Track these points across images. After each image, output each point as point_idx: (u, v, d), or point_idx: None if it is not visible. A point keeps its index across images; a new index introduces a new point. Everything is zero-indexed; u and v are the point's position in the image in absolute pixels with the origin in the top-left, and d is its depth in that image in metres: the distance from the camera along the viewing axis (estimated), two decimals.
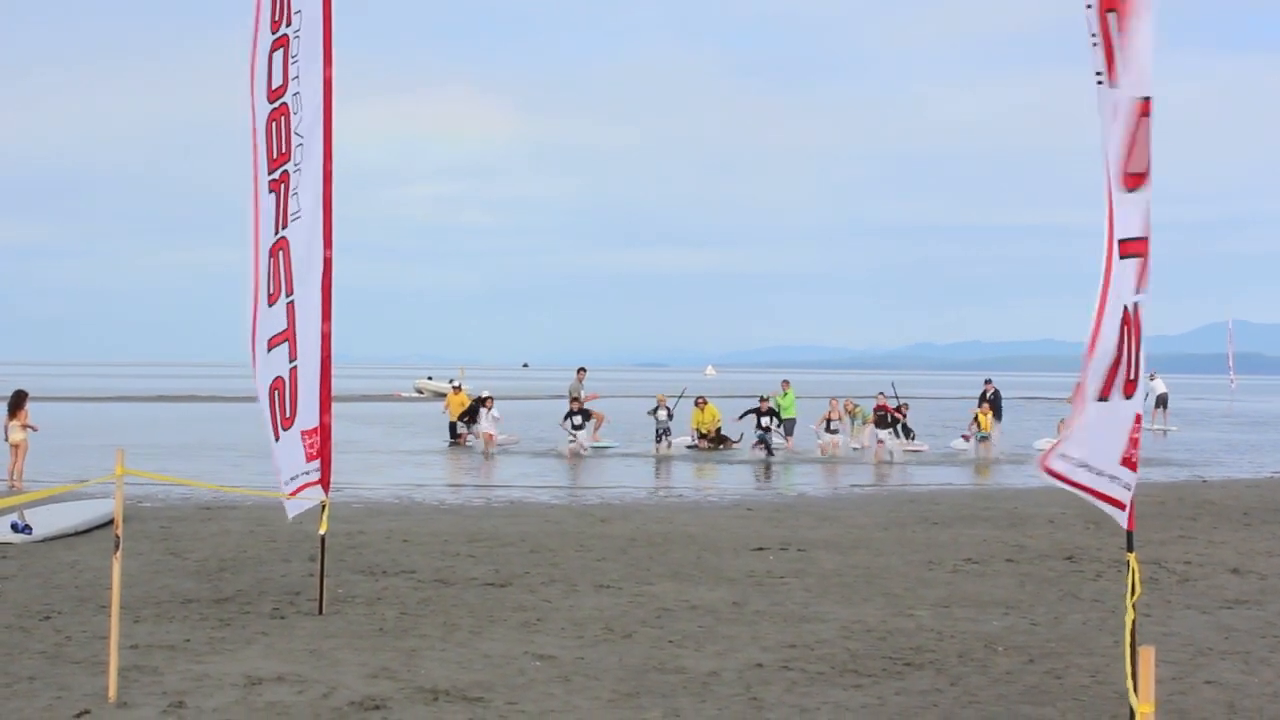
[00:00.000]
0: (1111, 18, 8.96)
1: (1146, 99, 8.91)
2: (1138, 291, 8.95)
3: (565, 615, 14.88)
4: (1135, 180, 8.94)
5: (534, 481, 34.04)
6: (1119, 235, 8.97)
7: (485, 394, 48.09)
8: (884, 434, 43.85)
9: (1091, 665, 12.47)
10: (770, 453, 43.27)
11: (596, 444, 45.70)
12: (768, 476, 35.69)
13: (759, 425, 44.38)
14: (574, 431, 44.35)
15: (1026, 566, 18.86)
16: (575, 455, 43.17)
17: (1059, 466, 9.23)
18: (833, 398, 45.93)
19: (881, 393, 45.90)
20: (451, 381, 70.95)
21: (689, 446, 45.66)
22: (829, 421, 44.63)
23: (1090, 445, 9.10)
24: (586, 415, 45.99)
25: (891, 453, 42.98)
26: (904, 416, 49.83)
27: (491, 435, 44.82)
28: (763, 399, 45.31)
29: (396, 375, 79.27)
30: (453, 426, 49.81)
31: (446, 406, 52.69)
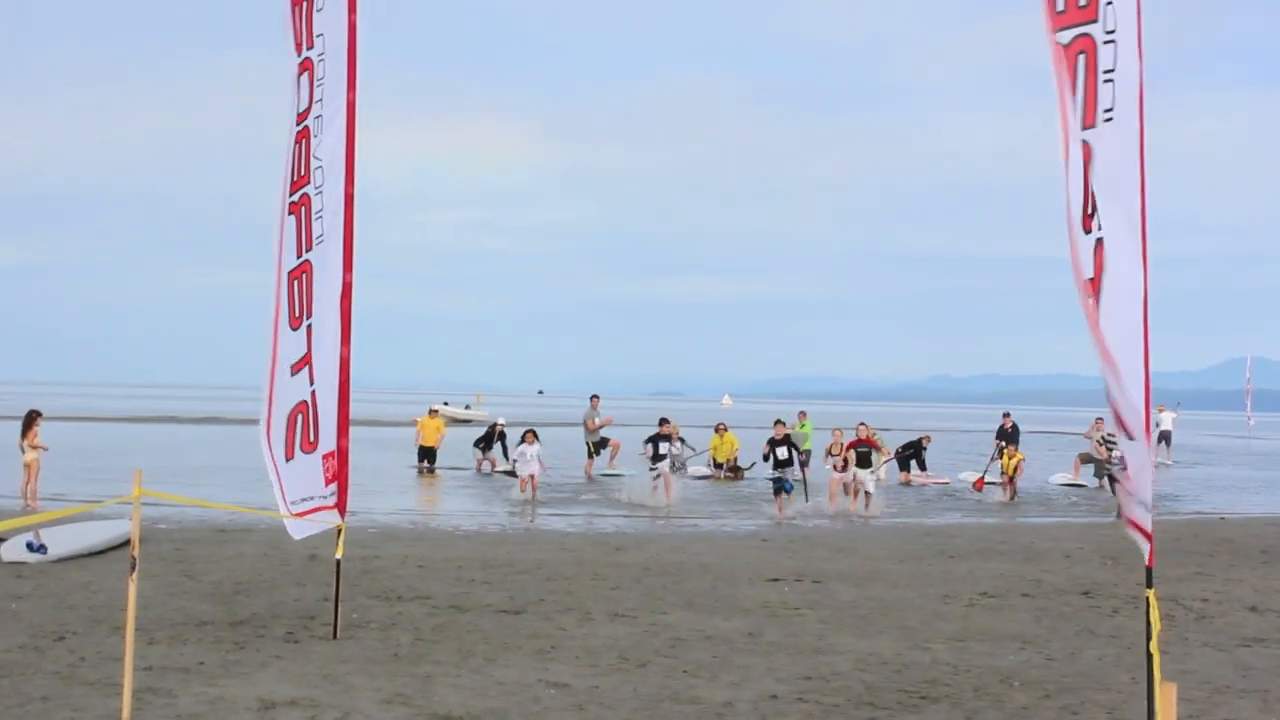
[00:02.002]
0: (1081, 59, 9.04)
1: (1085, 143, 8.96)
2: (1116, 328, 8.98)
3: (580, 643, 14.88)
4: (1090, 223, 8.98)
5: (549, 509, 34.01)
6: (1088, 275, 9.00)
7: (503, 421, 47.32)
8: (864, 474, 36.42)
9: (1108, 701, 12.45)
10: (785, 493, 34.43)
11: (613, 471, 45.59)
12: (782, 509, 34.87)
13: (775, 459, 35.12)
14: (655, 462, 36.97)
15: (1043, 601, 18.83)
16: (661, 486, 36.48)
17: (1135, 515, 9.25)
18: (835, 429, 40.15)
19: (863, 423, 39.36)
20: (464, 405, 70.97)
21: (703, 476, 44.23)
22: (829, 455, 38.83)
23: (1139, 482, 9.12)
24: (605, 442, 46.02)
25: (868, 493, 36.09)
26: (925, 447, 49.82)
27: (535, 476, 37.17)
28: (778, 422, 37.32)
29: (414, 401, 79.31)
30: (422, 452, 47.40)
31: (420, 430, 48.54)
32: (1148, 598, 8.79)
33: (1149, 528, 9.03)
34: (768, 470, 36.44)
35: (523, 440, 38.14)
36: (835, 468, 37.52)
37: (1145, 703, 8.90)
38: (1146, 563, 9.04)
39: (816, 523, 31.34)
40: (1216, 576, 21.89)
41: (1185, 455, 74.56)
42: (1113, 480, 34.61)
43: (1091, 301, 8.95)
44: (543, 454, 37.69)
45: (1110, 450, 35.80)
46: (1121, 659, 14.37)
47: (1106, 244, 8.89)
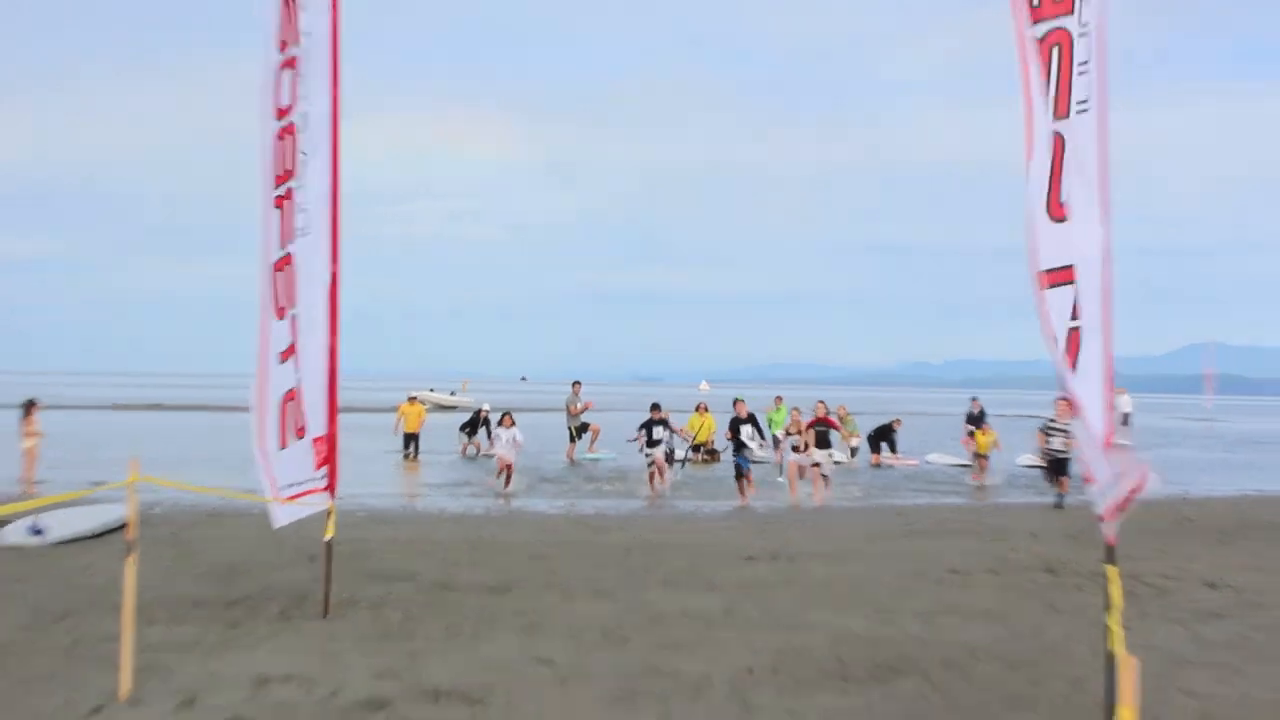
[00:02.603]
0: (1055, 51, 9.12)
1: (1059, 134, 9.01)
2: (1074, 318, 9.03)
3: (563, 620, 14.94)
4: (1062, 211, 9.02)
5: (532, 492, 34.04)
6: (1045, 265, 9.07)
7: (488, 407, 46.72)
8: (820, 455, 34.28)
9: (1071, 674, 12.53)
10: (746, 481, 32.53)
11: (592, 455, 45.64)
12: (744, 493, 34.08)
13: (736, 441, 33.55)
14: (650, 448, 35.18)
15: (1009, 578, 18.91)
16: (659, 474, 34.95)
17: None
18: (794, 409, 37.00)
19: (821, 402, 37.64)
20: (450, 392, 70.73)
21: (680, 460, 40.66)
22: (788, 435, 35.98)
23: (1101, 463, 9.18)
24: (585, 427, 46.05)
25: (825, 476, 34.15)
26: (896, 431, 50.11)
27: (510, 463, 35.09)
28: (737, 401, 34.93)
29: (398, 388, 79.40)
30: (407, 439, 46.78)
31: (401, 417, 47.88)
32: (1109, 574, 8.85)
33: (1108, 510, 9.05)
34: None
35: (500, 423, 36.87)
36: (795, 449, 34.94)
37: (1105, 675, 8.97)
38: (1108, 541, 9.09)
39: (789, 503, 31.39)
40: (1175, 554, 21.97)
41: (1146, 438, 74.76)
42: (1054, 467, 32.96)
43: (1044, 290, 9.02)
44: (519, 437, 35.86)
45: (1049, 439, 33.24)
46: (1084, 633, 14.43)
47: (1077, 232, 8.94)
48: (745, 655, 13.18)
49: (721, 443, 41.66)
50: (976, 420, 46.25)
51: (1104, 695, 9.35)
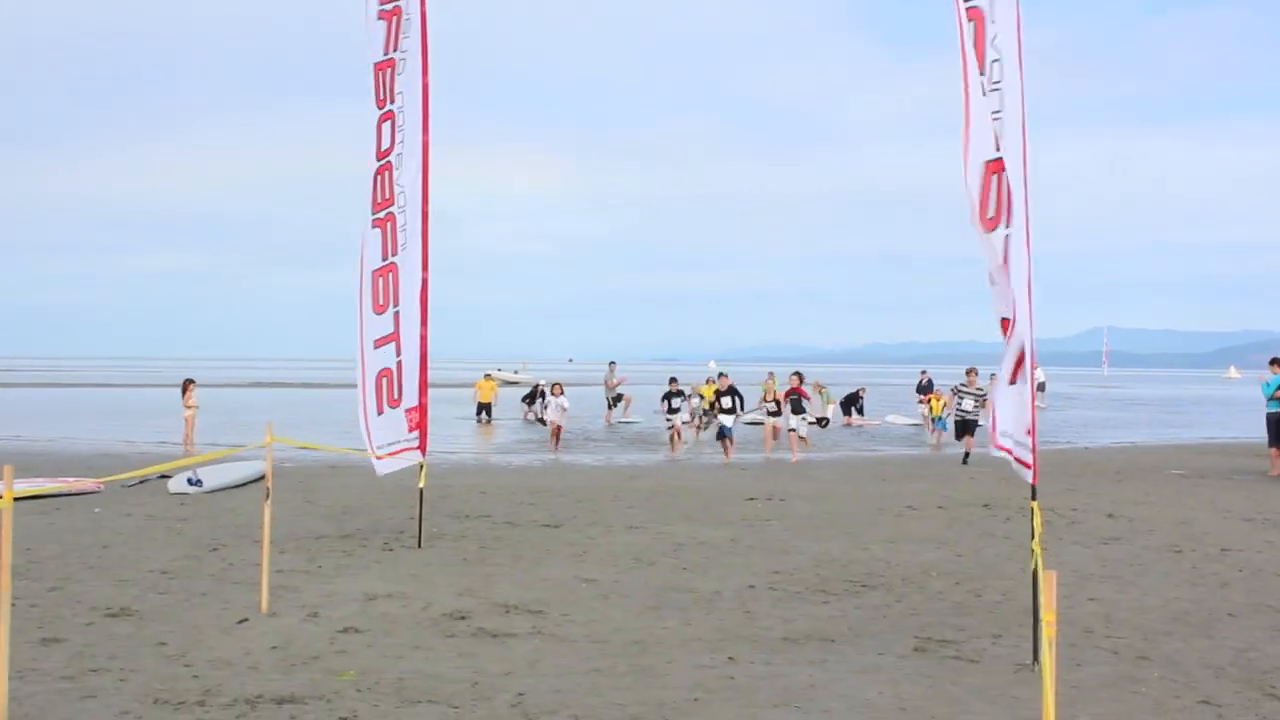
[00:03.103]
0: (994, 96, 9.05)
1: (998, 159, 8.95)
2: (1003, 308, 9.05)
3: (604, 549, 14.92)
4: (992, 223, 8.97)
5: (578, 449, 34.09)
6: (988, 266, 9.06)
7: (544, 381, 46.76)
8: (795, 420, 31.97)
9: (1003, 587, 12.48)
10: (729, 441, 31.04)
11: (626, 420, 45.75)
12: (728, 451, 33.28)
13: (720, 408, 32.19)
14: (670, 415, 33.38)
15: (953, 512, 18.86)
16: (677, 436, 33.57)
17: (1003, 441, 9.36)
18: (769, 373, 36.99)
19: (796, 372, 33.97)
20: (514, 370, 70.75)
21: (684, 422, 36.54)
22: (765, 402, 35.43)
23: (1010, 420, 9.18)
24: (620, 398, 46.19)
25: (804, 439, 32.10)
26: (862, 397, 50.28)
27: (560, 426, 33.77)
28: (722, 375, 33.70)
29: (474, 367, 79.50)
30: (480, 407, 47.00)
31: (478, 390, 48.10)
32: (1032, 508, 8.82)
33: (1028, 458, 9.05)
34: (725, 419, 31.70)
35: (551, 392, 35.18)
36: (768, 413, 34.67)
37: (1031, 586, 8.94)
38: (1031, 481, 9.07)
39: (780, 455, 31.32)
40: (1082, 491, 21.94)
41: (1056, 401, 74.64)
42: (961, 426, 30.34)
43: (999, 285, 8.99)
44: (566, 404, 34.19)
45: (960, 400, 30.55)
46: (1013, 555, 14.38)
47: (1011, 239, 8.89)
48: (747, 575, 13.16)
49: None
50: (925, 389, 46.23)
51: (1030, 603, 9.33)
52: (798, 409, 32.18)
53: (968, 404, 30.36)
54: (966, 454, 29.34)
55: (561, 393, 34.33)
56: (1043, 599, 5.54)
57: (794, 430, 31.89)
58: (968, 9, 9.25)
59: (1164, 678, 8.95)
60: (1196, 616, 11.22)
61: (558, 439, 33.75)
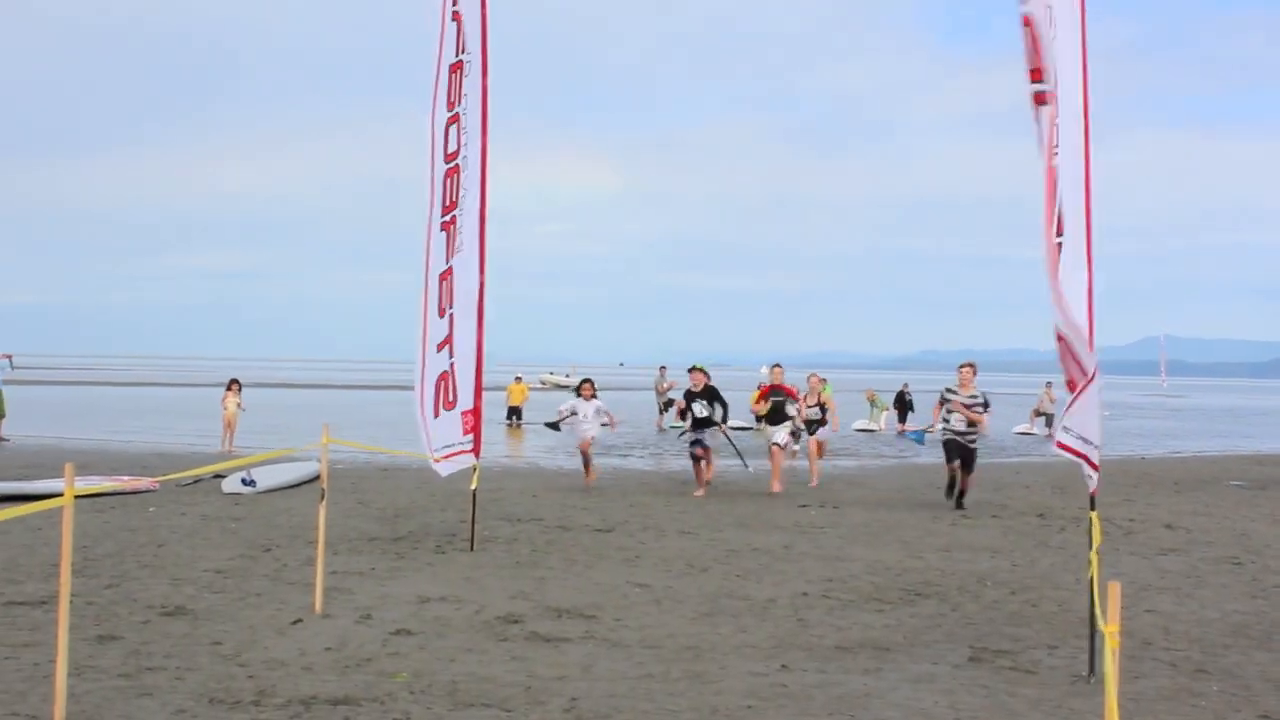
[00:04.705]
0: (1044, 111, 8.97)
1: (1053, 167, 8.90)
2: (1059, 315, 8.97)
3: (657, 554, 14.92)
4: (1052, 231, 8.92)
5: (630, 453, 34.08)
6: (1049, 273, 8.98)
7: (578, 378, 46.01)
8: (777, 432, 23.69)
9: (1059, 597, 12.41)
10: (701, 461, 22.74)
11: (676, 424, 45.62)
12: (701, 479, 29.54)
13: (691, 416, 22.95)
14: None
15: (1008, 521, 18.76)
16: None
17: (1065, 439, 9.30)
18: (813, 374, 27.14)
19: (777, 365, 25.49)
20: (565, 374, 70.71)
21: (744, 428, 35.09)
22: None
23: (1081, 421, 9.10)
24: (670, 402, 46.11)
25: (784, 448, 23.95)
26: (908, 395, 50.15)
27: (589, 440, 23.96)
28: (694, 369, 23.03)
29: (527, 371, 79.81)
30: (511, 410, 47.45)
31: (508, 393, 48.55)
32: (1091, 518, 8.77)
33: (1096, 461, 8.98)
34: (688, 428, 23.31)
35: (578, 393, 24.61)
36: (806, 421, 25.46)
37: (1087, 597, 8.88)
38: (1091, 491, 9.01)
39: (834, 463, 31.03)
40: (1139, 502, 21.78)
41: (1114, 411, 74.08)
42: (951, 450, 20.54)
43: (1057, 290, 8.92)
44: (605, 408, 24.18)
45: (947, 414, 20.56)
46: (1068, 565, 14.31)
47: (1065, 247, 8.83)
48: (801, 582, 13.13)
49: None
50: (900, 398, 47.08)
51: (1087, 613, 9.27)
52: (778, 416, 23.77)
53: (958, 420, 20.65)
54: (959, 493, 20.70)
55: (594, 394, 24.43)
56: (1110, 611, 5.48)
57: (776, 444, 23.64)
58: (1023, 15, 9.19)
59: (1223, 691, 8.88)
60: (1257, 629, 11.11)
61: (589, 464, 24.24)
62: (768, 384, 24.49)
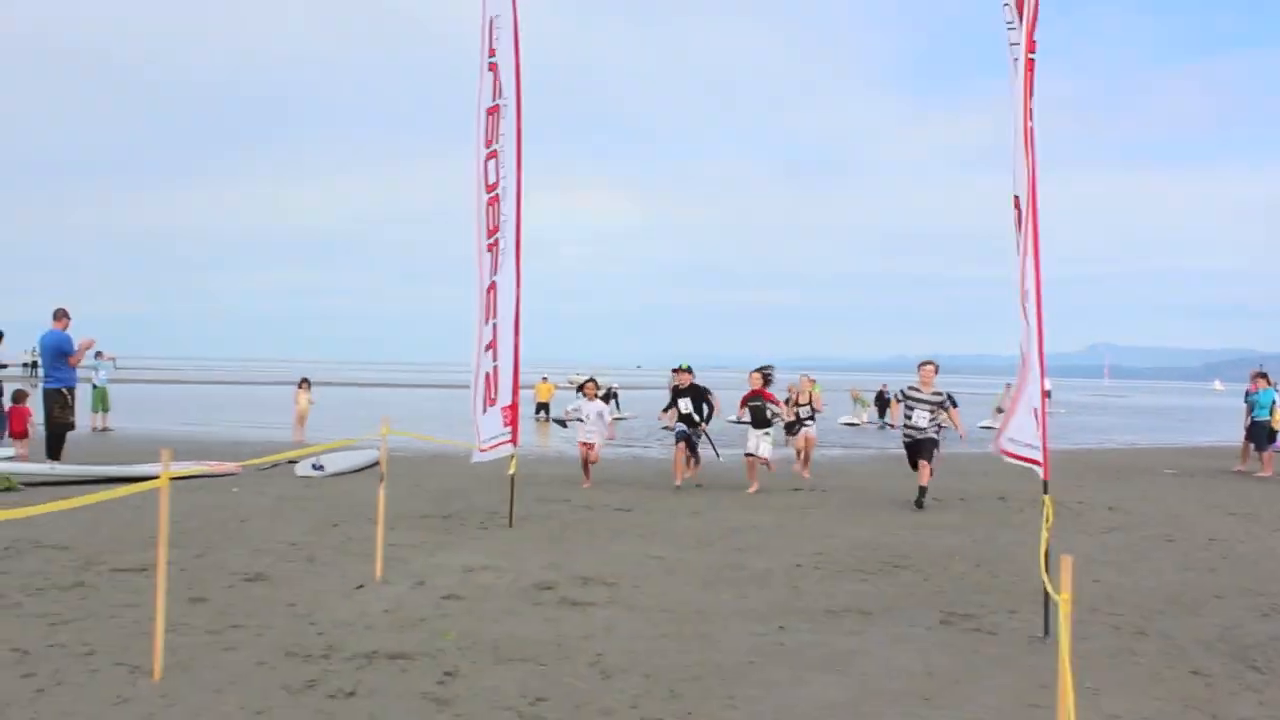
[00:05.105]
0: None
1: (1016, 196, 8.89)
2: (1027, 325, 8.94)
3: (669, 531, 14.90)
4: (1018, 250, 8.92)
5: (649, 444, 34.06)
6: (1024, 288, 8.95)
7: (615, 385, 45.53)
8: (756, 434, 20.23)
9: (1016, 569, 12.37)
10: (691, 454, 20.71)
11: (666, 426, 45.38)
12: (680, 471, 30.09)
13: (678, 413, 20.68)
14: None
15: (972, 503, 18.70)
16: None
17: (1006, 446, 9.31)
18: (804, 375, 24.35)
19: (759, 370, 20.80)
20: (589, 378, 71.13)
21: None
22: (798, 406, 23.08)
23: (1019, 427, 9.11)
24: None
25: (766, 461, 20.28)
26: (887, 394, 49.99)
27: (590, 445, 20.33)
28: (678, 370, 21.01)
29: (556, 373, 79.95)
30: (539, 406, 46.75)
31: (537, 391, 47.72)
32: (1044, 500, 8.75)
33: (1039, 458, 8.99)
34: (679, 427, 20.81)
35: (580, 391, 21.21)
36: (797, 418, 23.39)
37: (1039, 569, 8.87)
38: (1043, 477, 9.01)
39: (821, 453, 30.90)
40: (1086, 488, 21.71)
41: (1063, 407, 73.90)
42: (912, 449, 17.93)
43: (1023, 304, 8.90)
44: (606, 414, 21.00)
45: (908, 410, 17.76)
46: (1025, 541, 14.25)
47: (1025, 266, 8.80)
48: (794, 555, 13.10)
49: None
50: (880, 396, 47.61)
51: (1040, 583, 9.25)
52: (760, 420, 20.36)
53: (920, 415, 18.01)
54: (921, 491, 17.91)
55: (597, 394, 21.09)
56: (1062, 580, 5.50)
57: (751, 454, 20.26)
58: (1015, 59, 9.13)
59: (1159, 651, 8.85)
60: (1188, 597, 11.07)
61: (588, 469, 20.57)
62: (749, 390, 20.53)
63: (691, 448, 20.72)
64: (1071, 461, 28.99)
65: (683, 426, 20.64)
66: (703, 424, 20.86)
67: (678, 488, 19.97)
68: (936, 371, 18.47)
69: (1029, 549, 13.47)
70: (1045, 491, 8.97)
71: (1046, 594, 9.03)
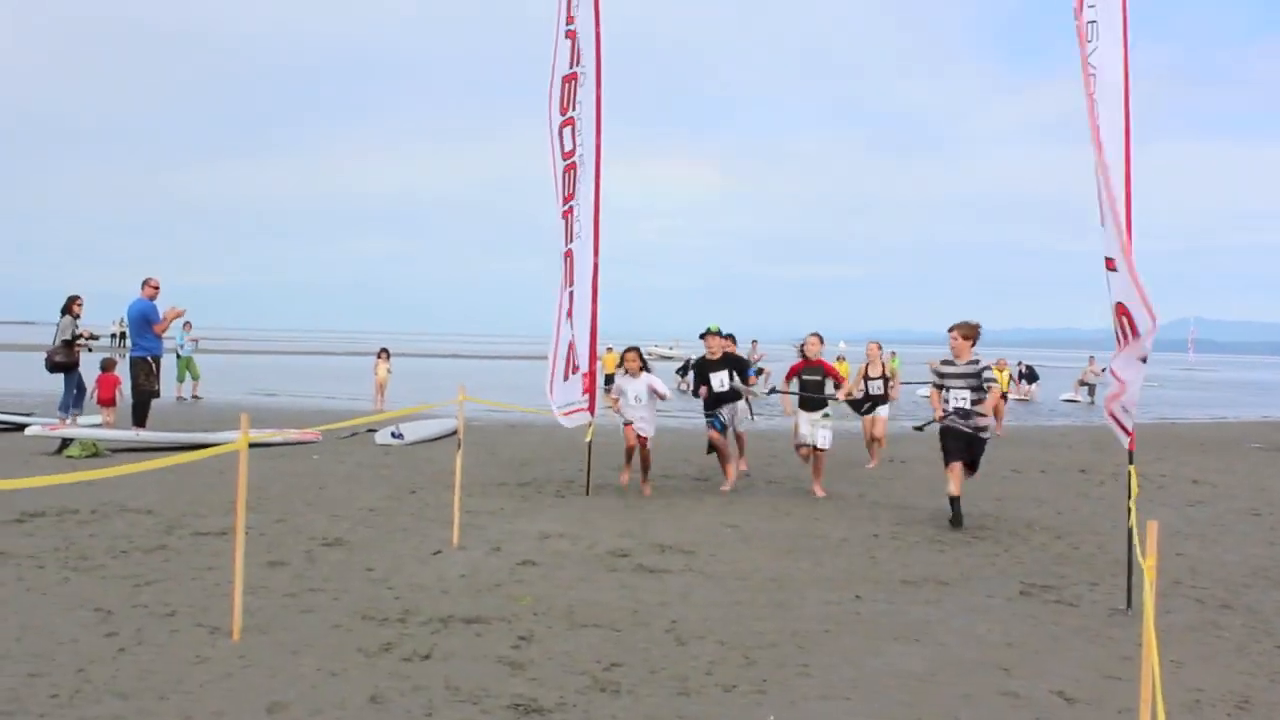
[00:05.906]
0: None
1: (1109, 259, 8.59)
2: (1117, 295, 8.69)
3: (746, 500, 14.85)
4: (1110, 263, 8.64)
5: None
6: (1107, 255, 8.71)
7: (692, 358, 45.73)
8: (810, 418, 15.64)
9: (1098, 541, 12.20)
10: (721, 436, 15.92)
11: (768, 391, 45.42)
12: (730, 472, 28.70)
13: (709, 391, 15.84)
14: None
15: (1053, 475, 18.48)
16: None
17: (1114, 409, 9.11)
18: (872, 342, 20.49)
19: (814, 335, 16.25)
20: (669, 347, 70.54)
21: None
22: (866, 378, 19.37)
23: (1129, 394, 8.90)
24: (760, 370, 45.75)
25: (815, 449, 15.67)
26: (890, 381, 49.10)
27: (636, 430, 15.16)
28: (708, 334, 15.84)
29: (630, 343, 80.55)
30: (608, 378, 46.82)
31: (603, 362, 45.88)
32: (1129, 471, 8.59)
33: (1130, 427, 8.82)
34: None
35: (622, 364, 15.53)
36: (865, 396, 19.53)
37: (1124, 540, 8.70)
38: (1128, 448, 8.84)
39: (901, 425, 30.45)
40: (1170, 460, 21.38)
41: (1151, 380, 72.78)
42: (950, 439, 13.39)
43: (1113, 274, 8.67)
44: (660, 388, 15.35)
45: (946, 392, 13.31)
46: (1107, 513, 14.07)
47: (1112, 239, 8.58)
48: (871, 525, 13.02)
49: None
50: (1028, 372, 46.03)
51: (1124, 555, 9.09)
52: (814, 401, 15.77)
53: (957, 394, 13.54)
54: (953, 504, 13.39)
55: (642, 369, 15.43)
56: (1148, 546, 5.35)
57: (808, 445, 15.76)
58: (1079, 25, 8.94)
59: (1244, 625, 8.67)
60: (1274, 571, 10.86)
61: (646, 461, 15.49)
62: (799, 360, 16.09)
63: (719, 430, 15.89)
64: (1155, 435, 28.51)
65: (719, 416, 15.92)
66: (745, 390, 16.49)
67: (725, 491, 15.74)
68: (972, 338, 13.51)
69: (1111, 521, 13.29)
70: (1130, 461, 8.80)
71: (1130, 567, 8.89)
